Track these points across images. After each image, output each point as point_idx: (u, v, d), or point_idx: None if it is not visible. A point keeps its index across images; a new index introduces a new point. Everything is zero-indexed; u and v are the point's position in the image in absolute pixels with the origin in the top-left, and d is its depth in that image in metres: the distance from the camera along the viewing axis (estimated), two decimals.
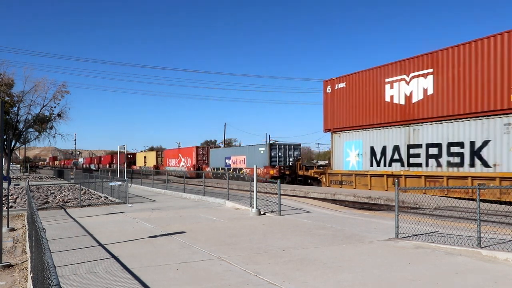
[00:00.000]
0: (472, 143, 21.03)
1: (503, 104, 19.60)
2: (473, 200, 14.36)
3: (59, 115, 46.18)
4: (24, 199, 22.35)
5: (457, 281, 6.86)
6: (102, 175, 41.08)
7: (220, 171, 42.99)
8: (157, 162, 63.74)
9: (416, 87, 24.01)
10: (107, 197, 22.93)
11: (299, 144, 40.43)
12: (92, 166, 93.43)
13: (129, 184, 27.64)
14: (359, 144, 27.90)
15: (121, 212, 16.93)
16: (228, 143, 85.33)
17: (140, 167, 66.16)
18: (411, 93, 24.27)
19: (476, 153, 20.80)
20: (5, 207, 14.70)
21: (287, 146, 38.60)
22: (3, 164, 24.07)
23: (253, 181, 16.28)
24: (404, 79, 24.78)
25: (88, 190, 28.43)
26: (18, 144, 48.60)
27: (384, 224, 12.75)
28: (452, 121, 22.09)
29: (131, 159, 71.53)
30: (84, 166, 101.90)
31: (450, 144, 22.13)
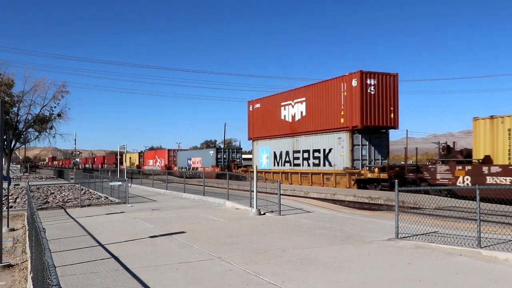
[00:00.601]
0: (324, 150, 31.36)
1: (337, 124, 29.83)
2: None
3: (59, 115, 46.12)
4: (24, 199, 22.34)
5: (457, 281, 6.86)
6: (102, 175, 41.08)
7: (183, 169, 52.67)
8: (139, 162, 73.46)
9: (298, 110, 34.24)
10: (107, 197, 22.93)
11: (241, 148, 53.76)
12: (87, 166, 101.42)
13: (129, 184, 27.63)
14: (267, 150, 38.33)
15: (121, 212, 16.93)
16: (228, 143, 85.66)
17: (126, 166, 72.70)
18: (295, 114, 34.69)
19: (326, 156, 31.16)
20: (5, 207, 14.70)
21: (230, 150, 50.01)
22: (3, 164, 24.07)
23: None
24: (291, 104, 35.16)
25: (88, 190, 28.42)
26: (18, 144, 48.59)
27: (384, 224, 12.75)
28: (316, 134, 32.16)
29: (120, 160, 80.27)
30: (80, 166, 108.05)
31: (314, 151, 32.38)
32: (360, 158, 28.52)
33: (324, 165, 31.05)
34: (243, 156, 52.93)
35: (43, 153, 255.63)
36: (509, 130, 20.11)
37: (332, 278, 7.03)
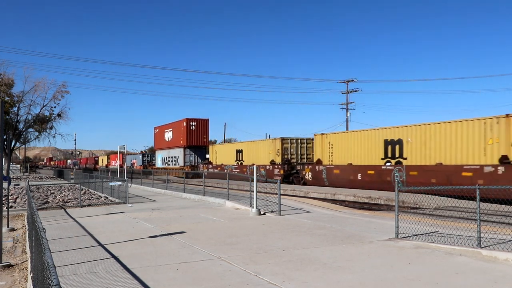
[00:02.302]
0: (176, 157, 53.75)
1: (180, 144, 52.66)
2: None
3: (59, 115, 46.04)
4: (24, 199, 22.34)
5: (457, 281, 6.86)
6: (102, 175, 41.07)
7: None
8: (107, 162, 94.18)
9: (169, 135, 56.38)
10: (107, 197, 22.92)
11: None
12: (76, 166, 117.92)
13: (129, 184, 27.63)
14: (160, 156, 60.98)
15: (121, 212, 16.93)
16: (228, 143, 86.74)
17: (100, 166, 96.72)
18: (168, 137, 56.64)
19: (177, 160, 53.95)
20: (5, 207, 14.70)
21: (151, 154, 67.09)
22: (3, 164, 24.07)
23: (253, 181, 16.30)
24: (167, 131, 57.38)
25: (88, 190, 28.42)
26: (18, 144, 48.52)
27: (384, 224, 12.75)
28: (174, 149, 55.02)
29: (97, 160, 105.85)
30: (73, 166, 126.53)
31: (174, 157, 55.72)
32: (189, 160, 52.09)
33: (177, 164, 53.74)
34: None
35: (43, 153, 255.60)
36: (329, 143, 30.74)
37: (332, 278, 7.03)
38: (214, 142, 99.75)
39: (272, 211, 15.63)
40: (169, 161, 57.47)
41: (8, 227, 14.72)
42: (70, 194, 25.35)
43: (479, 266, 7.75)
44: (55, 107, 45.53)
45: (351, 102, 54.92)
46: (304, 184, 32.92)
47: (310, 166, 32.41)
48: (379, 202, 22.37)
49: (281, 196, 16.33)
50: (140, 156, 74.76)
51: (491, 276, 7.10)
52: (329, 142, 30.82)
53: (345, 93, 55.05)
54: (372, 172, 26.67)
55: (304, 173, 33.14)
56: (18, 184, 25.18)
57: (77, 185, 30.84)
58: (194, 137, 51.47)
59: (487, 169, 20.00)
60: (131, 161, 75.85)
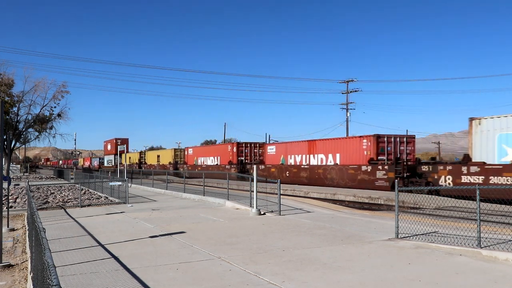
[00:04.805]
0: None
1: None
2: None
3: (59, 115, 45.98)
4: (24, 199, 22.33)
5: (457, 281, 6.86)
6: (102, 175, 41.06)
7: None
8: (82, 163, 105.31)
9: (109, 146, 74.80)
10: (107, 197, 22.91)
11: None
12: (64, 166, 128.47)
13: (129, 184, 27.62)
14: (106, 158, 76.83)
15: (121, 212, 16.93)
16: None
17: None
18: (108, 147, 75.88)
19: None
20: (5, 207, 14.69)
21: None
22: (3, 164, 24.05)
23: (254, 180, 16.29)
24: (109, 143, 72.40)
25: (88, 190, 28.40)
26: (18, 144, 48.49)
27: (384, 224, 12.75)
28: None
29: (76, 160, 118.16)
30: (62, 165, 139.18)
31: None
32: (117, 162, 55.47)
33: (112, 163, 67.07)
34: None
35: (43, 153, 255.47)
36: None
37: (332, 278, 7.03)
38: (214, 143, 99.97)
39: (272, 211, 15.62)
40: (108, 162, 79.03)
41: (8, 227, 14.72)
42: (70, 194, 25.34)
43: (479, 266, 7.75)
44: (55, 107, 45.50)
45: (351, 102, 54.95)
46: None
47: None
48: (379, 202, 22.37)
49: (281, 196, 16.33)
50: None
51: (491, 276, 7.09)
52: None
53: (345, 93, 55.06)
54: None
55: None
56: (18, 184, 25.17)
57: (77, 185, 30.81)
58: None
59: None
60: (100, 159, 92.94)
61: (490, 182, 20.93)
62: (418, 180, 25.49)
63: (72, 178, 42.71)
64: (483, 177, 21.33)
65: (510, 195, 14.57)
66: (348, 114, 54.50)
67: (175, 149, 64.82)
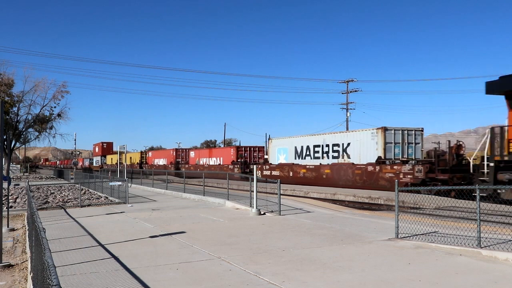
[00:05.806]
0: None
1: None
2: None
3: (59, 115, 46.01)
4: (24, 199, 22.34)
5: (457, 281, 6.86)
6: (102, 175, 41.08)
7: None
8: (67, 163, 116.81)
9: (96, 149, 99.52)
10: (107, 197, 22.92)
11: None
12: (61, 166, 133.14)
13: (129, 184, 27.62)
14: (95, 159, 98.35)
15: (121, 212, 16.93)
16: (228, 143, 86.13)
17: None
18: (96, 149, 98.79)
19: None
20: (5, 207, 14.69)
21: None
22: (3, 164, 24.04)
23: (253, 181, 16.29)
24: (97, 146, 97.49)
25: (88, 190, 28.41)
26: (18, 144, 48.55)
27: (384, 224, 12.75)
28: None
29: (76, 160, 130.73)
30: (59, 165, 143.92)
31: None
32: (103, 162, 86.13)
33: (99, 163, 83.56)
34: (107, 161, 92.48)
35: (43, 153, 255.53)
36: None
37: (332, 278, 7.03)
38: (215, 143, 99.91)
39: (272, 211, 15.62)
40: (96, 162, 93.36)
41: (8, 227, 14.72)
42: (70, 194, 25.35)
43: (479, 266, 7.75)
44: (55, 107, 45.54)
45: (351, 102, 54.99)
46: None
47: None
48: (379, 202, 22.38)
49: (281, 196, 16.33)
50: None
51: (491, 276, 7.09)
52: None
53: (345, 93, 55.09)
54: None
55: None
56: (18, 184, 25.15)
57: (77, 185, 30.82)
58: (106, 150, 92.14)
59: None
60: (90, 160, 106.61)
61: (273, 173, 37.79)
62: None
63: (72, 178, 42.72)
64: (273, 171, 37.93)
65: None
66: (348, 114, 54.55)
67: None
